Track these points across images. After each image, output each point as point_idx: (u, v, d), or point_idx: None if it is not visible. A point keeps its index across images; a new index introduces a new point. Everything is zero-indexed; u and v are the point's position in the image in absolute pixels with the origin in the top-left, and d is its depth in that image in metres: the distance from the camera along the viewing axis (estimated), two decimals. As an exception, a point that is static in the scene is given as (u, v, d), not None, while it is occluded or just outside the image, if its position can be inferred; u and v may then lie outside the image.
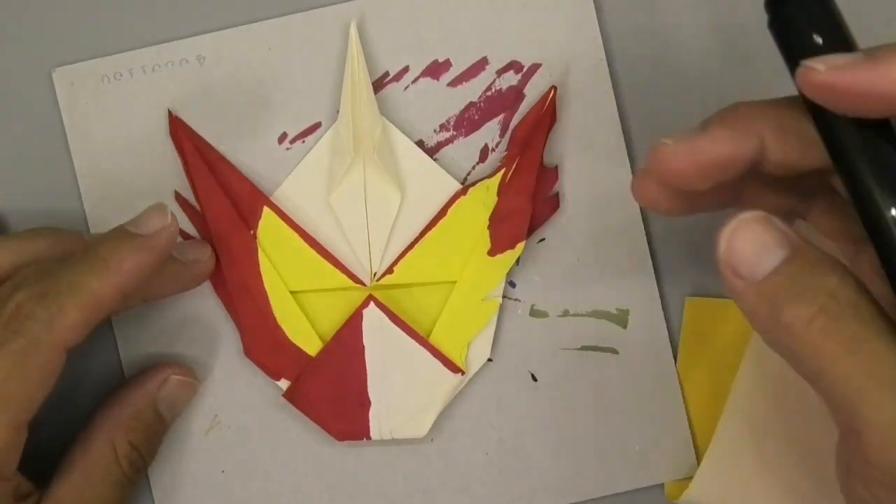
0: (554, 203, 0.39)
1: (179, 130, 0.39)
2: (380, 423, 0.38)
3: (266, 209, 0.39)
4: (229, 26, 0.40)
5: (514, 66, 0.39)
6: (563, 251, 0.39)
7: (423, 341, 0.38)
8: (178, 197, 0.39)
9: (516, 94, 0.39)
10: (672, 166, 0.30)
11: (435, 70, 0.40)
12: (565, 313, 0.39)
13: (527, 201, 0.38)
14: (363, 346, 0.38)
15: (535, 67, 0.39)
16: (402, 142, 0.39)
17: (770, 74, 0.40)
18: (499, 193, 0.38)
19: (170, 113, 0.39)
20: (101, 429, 0.35)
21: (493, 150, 0.39)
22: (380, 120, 0.39)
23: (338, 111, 0.39)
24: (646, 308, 0.39)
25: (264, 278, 0.38)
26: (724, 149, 0.29)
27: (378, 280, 0.39)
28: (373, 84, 0.39)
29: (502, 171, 0.39)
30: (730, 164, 0.29)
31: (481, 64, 0.40)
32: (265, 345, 0.38)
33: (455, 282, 0.38)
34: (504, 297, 0.39)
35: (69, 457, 0.34)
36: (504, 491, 0.39)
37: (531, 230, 0.39)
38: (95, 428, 0.35)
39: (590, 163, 0.39)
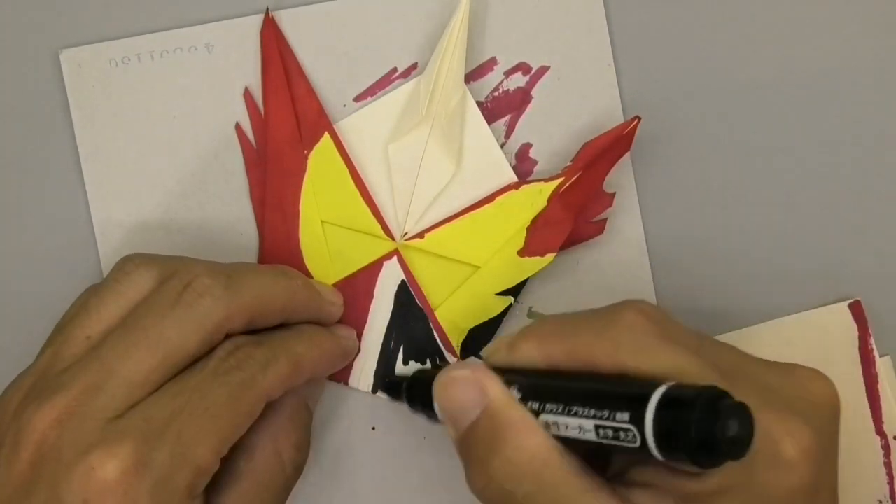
0: (599, 227, 0.39)
1: (270, 30, 0.39)
2: (361, 373, 0.39)
3: (326, 135, 0.39)
4: (239, 15, 0.39)
5: (522, 67, 0.40)
6: (563, 254, 0.39)
7: (430, 312, 0.38)
8: (247, 94, 0.39)
9: (523, 95, 0.39)
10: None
11: (478, 71, 0.40)
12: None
13: (572, 217, 0.38)
14: (373, 295, 0.39)
15: (544, 70, 0.39)
16: (474, 117, 0.39)
17: (780, 75, 0.40)
18: (549, 200, 0.38)
19: (267, 12, 0.39)
20: (264, 437, 0.34)
21: (499, 150, 0.40)
22: (461, 88, 0.39)
23: (344, 105, 0.39)
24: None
25: (302, 200, 0.39)
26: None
27: (407, 240, 0.39)
28: (380, 78, 0.39)
29: (560, 179, 0.39)
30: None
31: (489, 64, 0.40)
32: (280, 261, 0.38)
33: (478, 267, 0.39)
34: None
35: (233, 466, 0.34)
36: (495, 490, 0.39)
37: (567, 245, 0.39)
38: (260, 438, 0.34)
39: (593, 167, 0.39)
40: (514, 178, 0.39)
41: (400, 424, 0.39)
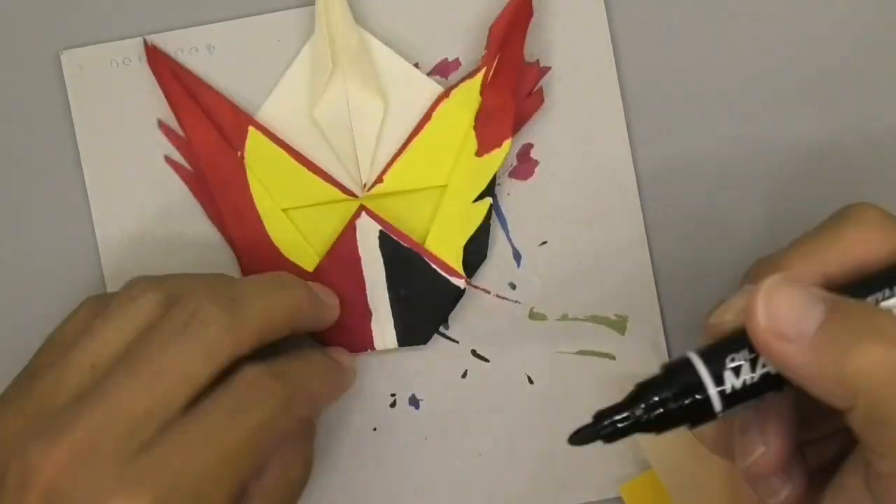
0: (538, 99, 0.39)
1: (157, 58, 0.39)
2: (382, 333, 0.38)
3: (251, 129, 0.39)
4: (240, 16, 0.39)
5: (523, 67, 0.40)
6: (565, 255, 0.39)
7: (419, 248, 0.38)
8: (163, 125, 0.39)
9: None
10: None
11: (444, 69, 0.39)
12: (564, 317, 0.39)
13: (510, 99, 0.38)
14: (359, 257, 0.38)
15: (545, 70, 0.39)
16: (380, 50, 0.39)
17: (782, 73, 0.40)
18: (482, 93, 0.38)
19: (145, 42, 0.39)
20: (273, 457, 0.34)
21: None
22: (356, 29, 0.39)
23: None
24: (644, 315, 0.39)
25: (255, 199, 0.38)
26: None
27: (368, 190, 0.39)
28: (383, 77, 0.39)
29: (483, 70, 0.38)
30: None
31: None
32: (262, 265, 0.38)
33: (445, 185, 0.39)
34: (503, 298, 0.39)
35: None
36: (497, 493, 0.39)
37: (517, 127, 0.39)
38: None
39: (593, 169, 0.39)
40: (441, 89, 0.39)
41: (401, 425, 0.39)
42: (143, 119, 0.39)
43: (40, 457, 0.30)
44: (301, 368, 0.35)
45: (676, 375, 0.28)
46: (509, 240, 0.39)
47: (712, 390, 0.28)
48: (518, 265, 0.39)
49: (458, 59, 0.40)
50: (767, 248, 0.39)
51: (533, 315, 0.39)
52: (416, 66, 0.39)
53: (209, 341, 0.32)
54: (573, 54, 0.39)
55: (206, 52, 0.39)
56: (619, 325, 0.39)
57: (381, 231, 0.38)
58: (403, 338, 0.39)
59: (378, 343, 0.38)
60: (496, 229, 0.39)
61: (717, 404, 0.28)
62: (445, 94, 0.39)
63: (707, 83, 0.40)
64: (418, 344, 0.39)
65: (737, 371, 0.28)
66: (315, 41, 0.39)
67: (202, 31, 0.39)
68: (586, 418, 0.38)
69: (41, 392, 0.32)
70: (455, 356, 0.39)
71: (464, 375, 0.39)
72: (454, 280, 0.38)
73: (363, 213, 0.39)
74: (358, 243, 0.39)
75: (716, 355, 0.28)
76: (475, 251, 0.39)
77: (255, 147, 0.39)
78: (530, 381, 0.39)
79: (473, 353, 0.39)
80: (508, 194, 0.39)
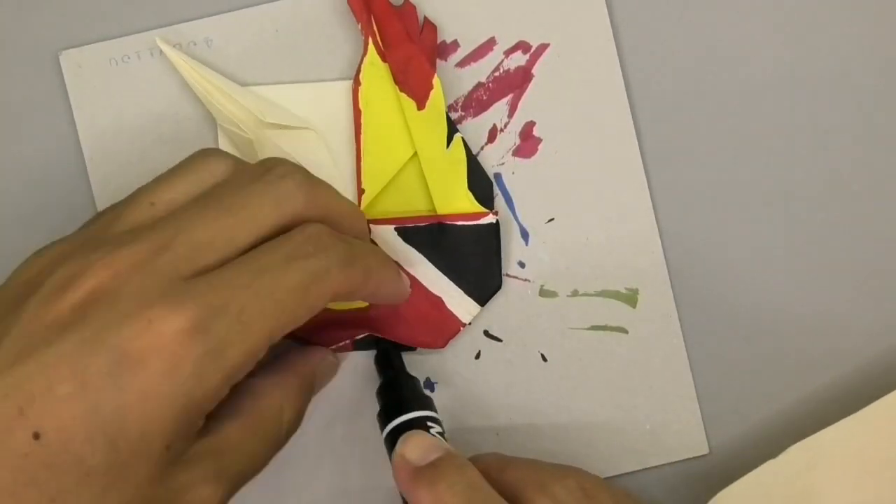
0: (430, 28, 0.39)
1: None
2: (462, 306, 0.38)
3: None
4: (237, 8, 0.39)
5: (521, 45, 0.39)
6: (572, 231, 0.39)
7: (436, 217, 0.38)
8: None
9: (524, 74, 0.39)
10: None
11: (443, 51, 0.40)
12: (574, 293, 0.39)
13: (409, 45, 0.38)
14: (397, 264, 0.38)
15: (543, 47, 0.39)
16: (273, 92, 0.39)
17: (773, 46, 0.40)
18: (384, 59, 0.39)
19: None
20: (276, 389, 0.34)
21: (501, 129, 0.39)
22: (242, 91, 0.38)
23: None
24: (655, 287, 0.39)
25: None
26: None
27: (361, 204, 0.39)
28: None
29: (369, 39, 0.39)
30: None
31: (489, 44, 0.40)
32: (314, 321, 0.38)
33: (414, 152, 0.39)
34: (513, 277, 0.39)
35: (237, 402, 0.33)
36: (515, 471, 0.39)
37: (432, 60, 0.39)
38: (270, 387, 0.34)
39: (597, 144, 0.39)
40: (349, 83, 0.39)
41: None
42: (146, 115, 0.39)
43: (95, 262, 0.30)
44: (364, 245, 0.35)
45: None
46: (516, 218, 0.39)
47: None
48: (526, 243, 0.39)
49: (455, 41, 0.40)
50: (776, 213, 0.40)
51: (543, 292, 0.39)
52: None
53: (282, 189, 0.32)
54: (571, 30, 0.39)
55: (204, 45, 0.39)
56: (631, 298, 0.39)
57: (395, 228, 0.38)
58: (481, 296, 0.39)
59: (465, 317, 0.38)
60: (502, 208, 0.39)
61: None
62: (357, 83, 0.39)
63: (709, 53, 0.40)
64: (496, 291, 0.39)
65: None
66: (226, 132, 0.39)
67: (200, 25, 0.39)
68: (601, 393, 0.39)
69: (95, 228, 0.32)
70: (468, 337, 0.39)
71: (477, 356, 0.39)
72: (484, 221, 0.38)
73: (371, 227, 0.38)
74: (387, 252, 0.38)
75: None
76: (479, 184, 0.39)
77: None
78: (544, 359, 0.39)
79: (486, 333, 0.39)
80: (513, 173, 0.39)
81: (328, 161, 0.39)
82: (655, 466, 0.39)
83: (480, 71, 0.39)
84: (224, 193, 0.32)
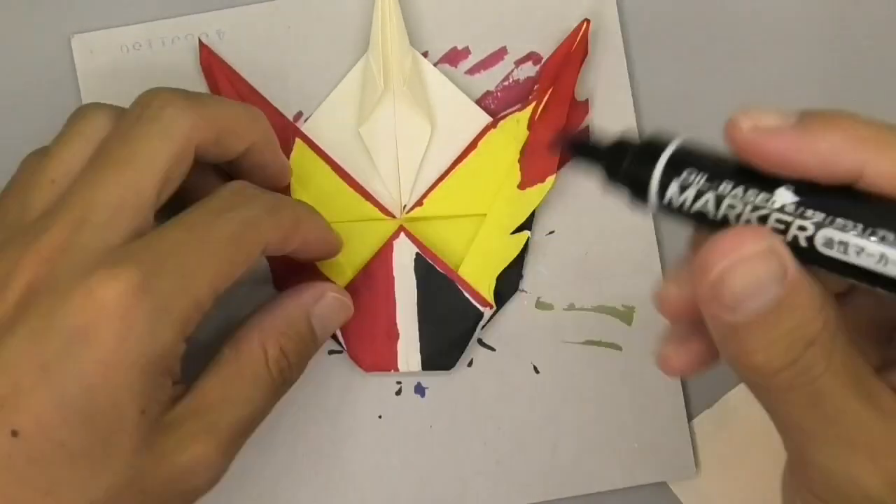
0: (583, 133, 0.39)
1: (211, 60, 0.39)
2: (407, 355, 0.38)
3: (298, 141, 0.39)
4: (250, 3, 0.40)
5: (532, 57, 0.39)
6: (572, 244, 0.39)
7: (453, 274, 0.38)
8: None
9: (533, 85, 0.39)
10: None
11: (454, 57, 0.40)
12: (571, 307, 0.39)
13: (559, 137, 0.38)
14: (393, 278, 0.38)
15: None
16: (432, 74, 0.39)
17: (784, 34, 0.40)
18: (529, 127, 0.38)
19: (200, 42, 0.39)
20: (254, 331, 0.34)
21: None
22: (410, 51, 0.39)
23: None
24: (651, 306, 0.39)
25: None
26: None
27: (408, 212, 0.39)
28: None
29: (533, 104, 0.38)
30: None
31: (500, 53, 0.40)
32: (296, 277, 0.38)
33: (484, 215, 0.38)
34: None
35: (218, 356, 0.33)
36: (500, 481, 0.39)
37: (562, 164, 0.38)
38: (248, 330, 0.34)
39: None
40: (488, 118, 0.39)
41: (406, 413, 0.39)
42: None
43: (21, 256, 0.30)
44: (289, 197, 0.36)
45: (650, 145, 0.27)
46: (517, 229, 0.39)
47: (654, 182, 0.27)
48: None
49: (467, 47, 0.40)
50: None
51: (540, 305, 0.39)
52: (426, 54, 0.39)
53: (165, 120, 0.32)
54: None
55: (215, 37, 0.39)
56: (626, 315, 0.39)
57: (417, 253, 0.38)
58: (428, 362, 0.38)
59: (402, 365, 0.38)
60: (504, 218, 0.39)
61: (653, 195, 0.27)
62: (493, 125, 0.39)
63: (724, 88, 0.40)
64: (442, 369, 0.38)
65: (692, 185, 0.26)
66: (369, 59, 0.39)
67: (212, 17, 0.39)
68: (591, 408, 0.39)
69: (8, 214, 0.32)
70: (462, 344, 0.39)
71: (470, 364, 0.39)
72: (480, 306, 0.38)
73: (402, 235, 0.38)
74: (393, 263, 0.38)
75: (693, 163, 0.27)
76: (508, 282, 0.39)
77: (301, 159, 0.39)
78: (536, 371, 0.39)
79: (480, 342, 0.39)
80: (516, 183, 0.39)
81: (417, 156, 0.39)
82: (642, 485, 0.39)
83: (490, 79, 0.39)
84: (112, 147, 0.32)
